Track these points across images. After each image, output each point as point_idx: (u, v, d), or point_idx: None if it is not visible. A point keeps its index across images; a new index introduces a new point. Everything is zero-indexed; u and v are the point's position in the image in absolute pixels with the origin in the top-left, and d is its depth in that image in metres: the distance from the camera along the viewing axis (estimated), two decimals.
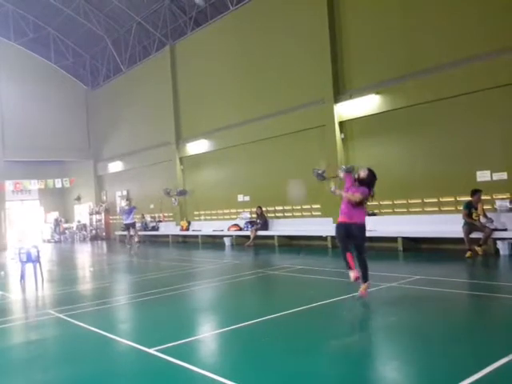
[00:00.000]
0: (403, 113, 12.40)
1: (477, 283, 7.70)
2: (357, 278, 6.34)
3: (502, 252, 10.05)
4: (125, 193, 24.85)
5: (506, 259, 9.63)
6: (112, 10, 21.96)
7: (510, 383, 3.54)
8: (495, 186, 10.67)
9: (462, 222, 10.26)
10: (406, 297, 6.62)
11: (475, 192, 10.12)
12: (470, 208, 10.15)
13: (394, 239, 12.06)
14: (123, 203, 19.06)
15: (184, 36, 20.10)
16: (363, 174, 6.48)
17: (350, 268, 6.41)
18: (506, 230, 10.14)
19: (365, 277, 6.38)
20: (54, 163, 27.56)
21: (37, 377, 4.27)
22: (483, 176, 10.96)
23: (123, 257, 15.48)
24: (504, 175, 10.63)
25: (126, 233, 18.93)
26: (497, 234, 10.13)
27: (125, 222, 17.82)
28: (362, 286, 6.34)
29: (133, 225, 17.94)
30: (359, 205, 6.38)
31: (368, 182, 6.45)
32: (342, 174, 7.04)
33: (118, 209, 24.31)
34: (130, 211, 17.64)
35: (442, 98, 11.55)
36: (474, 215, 10.11)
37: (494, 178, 10.80)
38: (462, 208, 10.39)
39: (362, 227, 6.41)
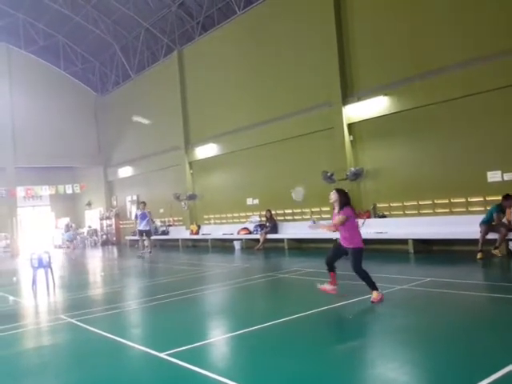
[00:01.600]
0: (412, 114, 12.35)
1: (489, 285, 7.64)
2: (324, 290, 6.77)
3: None
4: (135, 198, 24.98)
5: None
6: (120, 16, 22.16)
7: None
8: (506, 187, 10.54)
9: (480, 220, 10.09)
10: (418, 299, 6.59)
11: (508, 197, 9.89)
12: (500, 211, 9.93)
13: (404, 241, 11.97)
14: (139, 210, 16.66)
15: (192, 41, 20.21)
16: (334, 197, 6.65)
17: (330, 282, 6.84)
18: None
19: (370, 287, 6.42)
20: (64, 169, 27.85)
21: (49, 382, 4.30)
22: (494, 176, 10.87)
23: (134, 261, 15.49)
24: None
25: (137, 238, 17.18)
26: (509, 235, 10.01)
27: (138, 228, 16.00)
28: (373, 295, 6.37)
29: (147, 232, 16.03)
30: (352, 228, 6.56)
31: (344, 202, 6.59)
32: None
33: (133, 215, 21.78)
34: (142, 216, 15.88)
35: (450, 98, 11.49)
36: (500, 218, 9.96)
37: (505, 178, 10.71)
38: (492, 211, 9.99)
39: (357, 252, 6.51)
